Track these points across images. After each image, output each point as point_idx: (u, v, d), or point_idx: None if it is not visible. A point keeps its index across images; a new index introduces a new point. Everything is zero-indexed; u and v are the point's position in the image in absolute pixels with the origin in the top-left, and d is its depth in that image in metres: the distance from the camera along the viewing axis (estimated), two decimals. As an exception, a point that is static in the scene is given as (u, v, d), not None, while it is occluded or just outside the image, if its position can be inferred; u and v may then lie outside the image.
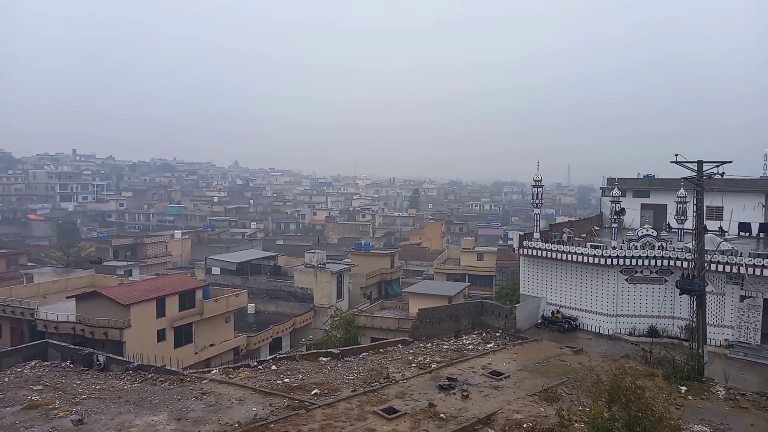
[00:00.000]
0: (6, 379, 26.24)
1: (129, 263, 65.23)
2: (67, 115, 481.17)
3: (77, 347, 30.02)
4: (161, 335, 36.19)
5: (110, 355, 29.21)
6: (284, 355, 31.26)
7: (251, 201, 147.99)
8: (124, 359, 29.36)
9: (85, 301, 35.71)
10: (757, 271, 28.59)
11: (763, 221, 35.00)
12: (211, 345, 39.51)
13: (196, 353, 38.25)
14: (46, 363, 28.81)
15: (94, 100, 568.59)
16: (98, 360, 28.14)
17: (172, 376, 26.24)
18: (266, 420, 19.79)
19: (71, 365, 28.45)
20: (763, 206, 34.56)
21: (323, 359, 28.42)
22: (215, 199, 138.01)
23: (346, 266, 55.06)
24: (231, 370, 27.26)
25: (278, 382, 24.70)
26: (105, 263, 62.03)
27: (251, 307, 48.30)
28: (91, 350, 29.36)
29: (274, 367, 27.17)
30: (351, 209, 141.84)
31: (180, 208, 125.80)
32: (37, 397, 23.25)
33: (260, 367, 27.42)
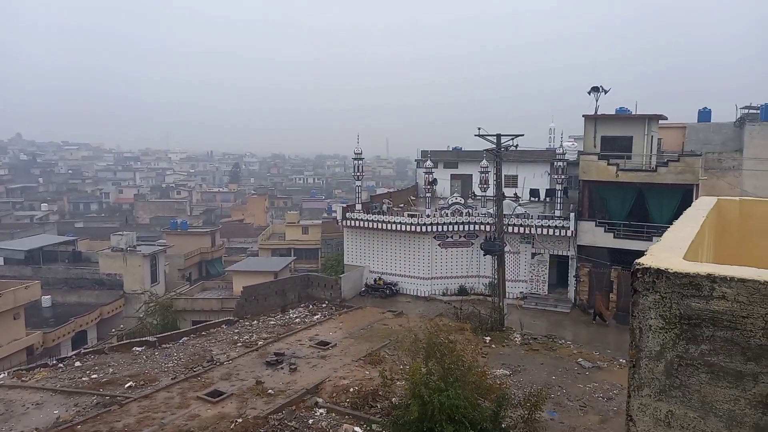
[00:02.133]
0: None
1: None
2: None
3: None
4: (-75, 342, 30.08)
5: None
6: (90, 349, 28.11)
7: (40, 179, 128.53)
8: None
9: None
10: (544, 231, 33.02)
11: (548, 187, 40.28)
12: (-4, 347, 33.88)
13: (-25, 358, 32.51)
14: None
15: None
16: None
17: (-58, 388, 21.99)
18: (71, 422, 17.62)
19: None
20: (548, 174, 39.68)
21: (137, 349, 26.19)
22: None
23: (160, 248, 51.09)
24: (24, 372, 23.79)
25: (84, 379, 22.16)
26: None
27: (47, 300, 42.41)
28: None
29: (78, 364, 24.31)
30: (164, 186, 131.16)
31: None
32: None
33: (61, 365, 24.36)
